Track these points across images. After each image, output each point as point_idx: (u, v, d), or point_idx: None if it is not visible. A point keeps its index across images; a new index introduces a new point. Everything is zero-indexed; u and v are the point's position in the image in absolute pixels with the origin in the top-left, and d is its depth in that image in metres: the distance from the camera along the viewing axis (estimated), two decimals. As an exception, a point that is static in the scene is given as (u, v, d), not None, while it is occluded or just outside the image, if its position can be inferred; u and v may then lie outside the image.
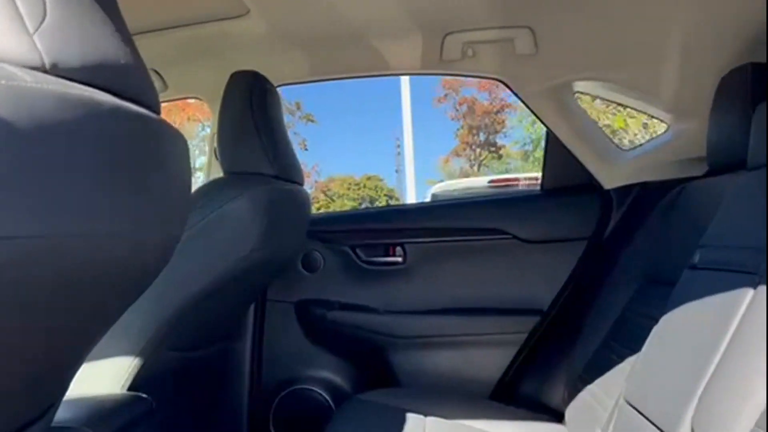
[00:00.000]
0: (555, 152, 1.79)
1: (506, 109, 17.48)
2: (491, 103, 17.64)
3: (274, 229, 1.34)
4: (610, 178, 1.73)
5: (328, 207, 16.98)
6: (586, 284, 1.70)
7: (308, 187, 17.89)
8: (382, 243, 1.87)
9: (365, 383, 1.81)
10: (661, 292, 1.30)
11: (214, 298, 1.33)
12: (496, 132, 18.12)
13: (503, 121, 17.72)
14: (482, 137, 18.33)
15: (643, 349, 1.12)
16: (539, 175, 4.91)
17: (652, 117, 1.77)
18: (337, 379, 1.84)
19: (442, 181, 6.21)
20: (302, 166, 1.58)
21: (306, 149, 17.68)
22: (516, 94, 1.70)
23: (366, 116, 21.77)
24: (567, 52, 1.60)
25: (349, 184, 17.62)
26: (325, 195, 17.46)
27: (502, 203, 1.86)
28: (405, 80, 12.68)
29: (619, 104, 1.78)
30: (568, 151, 1.73)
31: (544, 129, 1.79)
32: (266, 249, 1.33)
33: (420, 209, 1.93)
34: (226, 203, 1.25)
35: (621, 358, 1.30)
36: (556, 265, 1.77)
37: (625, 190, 1.71)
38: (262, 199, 1.29)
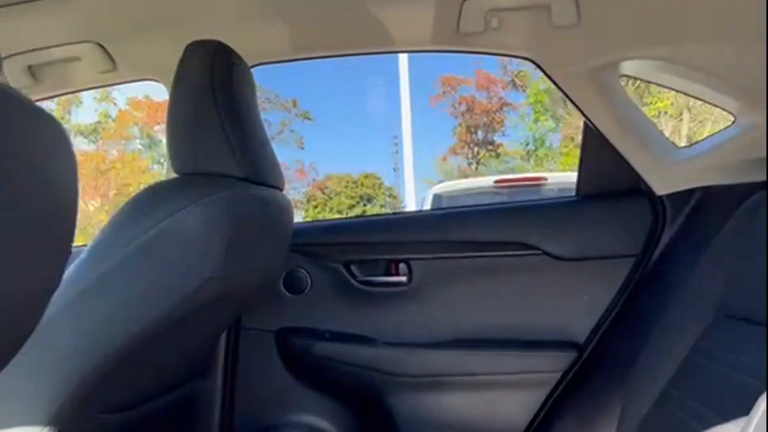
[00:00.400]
0: (594, 149, 1.46)
1: (505, 108, 17.39)
2: (490, 102, 17.52)
3: (241, 248, 1.02)
4: (663, 182, 1.40)
5: (325, 205, 16.75)
6: (635, 313, 1.37)
7: (305, 185, 17.69)
8: (382, 259, 1.54)
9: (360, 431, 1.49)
10: (750, 335, 0.99)
11: (160, 342, 1.00)
12: (495, 131, 18.00)
13: (502, 120, 17.61)
14: (480, 136, 18.20)
15: (754, 423, 0.80)
16: (548, 175, 4.62)
17: (695, 100, 1.44)
18: (326, 426, 1.51)
19: (442, 181, 5.87)
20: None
21: (302, 148, 17.44)
22: (549, 77, 1.37)
23: (363, 113, 21.43)
24: (616, 23, 1.28)
25: (347, 182, 17.43)
26: (323, 193, 17.25)
27: (528, 211, 1.53)
28: (404, 76, 12.35)
29: (674, 90, 1.45)
30: (611, 148, 1.40)
31: (582, 121, 1.46)
32: (230, 275, 1.01)
33: (428, 218, 1.60)
34: (172, 215, 0.92)
35: (701, 424, 0.98)
36: (596, 289, 1.44)
37: (682, 197, 1.39)
38: (224, 209, 0.96)
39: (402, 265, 1.52)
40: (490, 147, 17.95)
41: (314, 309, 1.53)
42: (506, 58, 16.80)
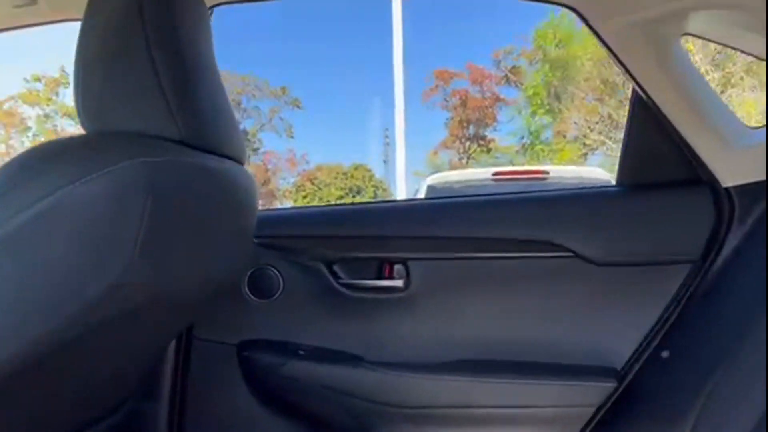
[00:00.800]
0: (643, 126, 1.16)
1: (498, 104, 17.25)
2: (483, 97, 17.36)
3: (171, 237, 0.71)
4: (731, 170, 1.11)
5: (315, 195, 16.44)
6: (692, 336, 1.08)
7: (294, 176, 17.36)
8: (373, 257, 1.24)
9: None
10: None
11: (63, 359, 0.70)
12: (487, 126, 17.87)
13: (494, 116, 17.47)
14: (472, 130, 18.05)
15: None
16: (549, 168, 4.33)
17: None
18: None
19: (435, 172, 5.53)
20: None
21: (292, 137, 17.12)
22: (594, 31, 1.07)
23: (354, 103, 21.04)
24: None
25: (337, 172, 17.16)
26: (312, 183, 16.97)
27: (557, 203, 1.22)
28: (398, 65, 12.03)
29: (754, 56, 1.15)
30: (667, 125, 1.11)
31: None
32: (152, 278, 0.70)
33: (432, 209, 1.29)
34: (70, 183, 0.61)
35: None
36: (640, 302, 1.15)
37: (755, 190, 1.09)
38: (144, 179, 0.65)
39: (398, 267, 1.22)
40: (482, 142, 17.80)
41: (286, 318, 1.23)
42: (501, 52, 16.59)
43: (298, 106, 16.93)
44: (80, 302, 0.63)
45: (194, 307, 0.99)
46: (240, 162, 0.91)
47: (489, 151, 17.35)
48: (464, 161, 17.43)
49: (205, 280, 0.89)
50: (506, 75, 16.55)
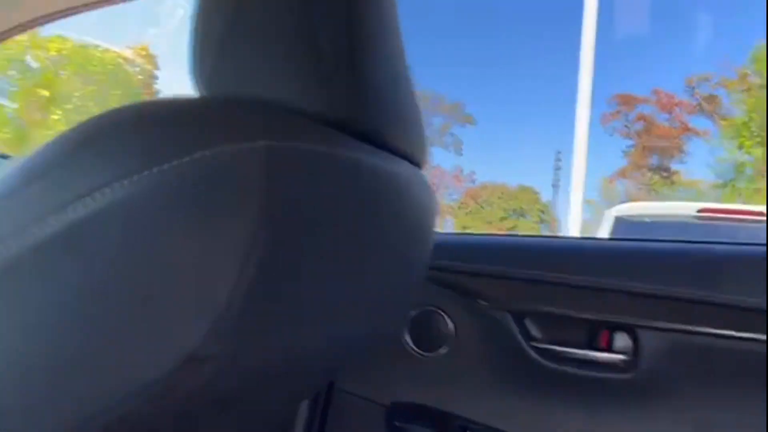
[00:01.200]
0: None
1: (686, 134, 15.85)
2: (671, 126, 16.06)
3: (302, 275, 0.43)
4: None
5: (477, 215, 16.12)
6: None
7: (459, 193, 17.14)
8: (583, 319, 0.88)
9: None
10: None
11: None
12: (672, 156, 16.47)
13: (681, 146, 16.05)
14: (655, 160, 16.73)
15: None
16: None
17: None
18: None
19: (624, 202, 4.90)
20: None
21: (461, 154, 16.96)
22: None
23: (527, 122, 20.32)
24: None
25: (501, 192, 16.73)
26: (476, 202, 16.69)
27: None
28: (585, 88, 11.24)
29: None
30: None
31: None
32: (261, 343, 0.42)
33: (675, 254, 0.90)
34: (122, 178, 0.34)
35: None
36: None
37: None
38: (257, 177, 0.36)
39: (620, 336, 0.85)
40: (665, 173, 16.41)
41: (455, 380, 0.92)
42: (694, 79, 15.06)
43: (470, 122, 16.73)
44: (132, 384, 0.36)
45: (337, 366, 0.71)
46: (418, 165, 0.62)
47: (672, 183, 15.95)
48: (643, 192, 16.20)
49: (354, 334, 0.60)
50: (699, 103, 15.09)
